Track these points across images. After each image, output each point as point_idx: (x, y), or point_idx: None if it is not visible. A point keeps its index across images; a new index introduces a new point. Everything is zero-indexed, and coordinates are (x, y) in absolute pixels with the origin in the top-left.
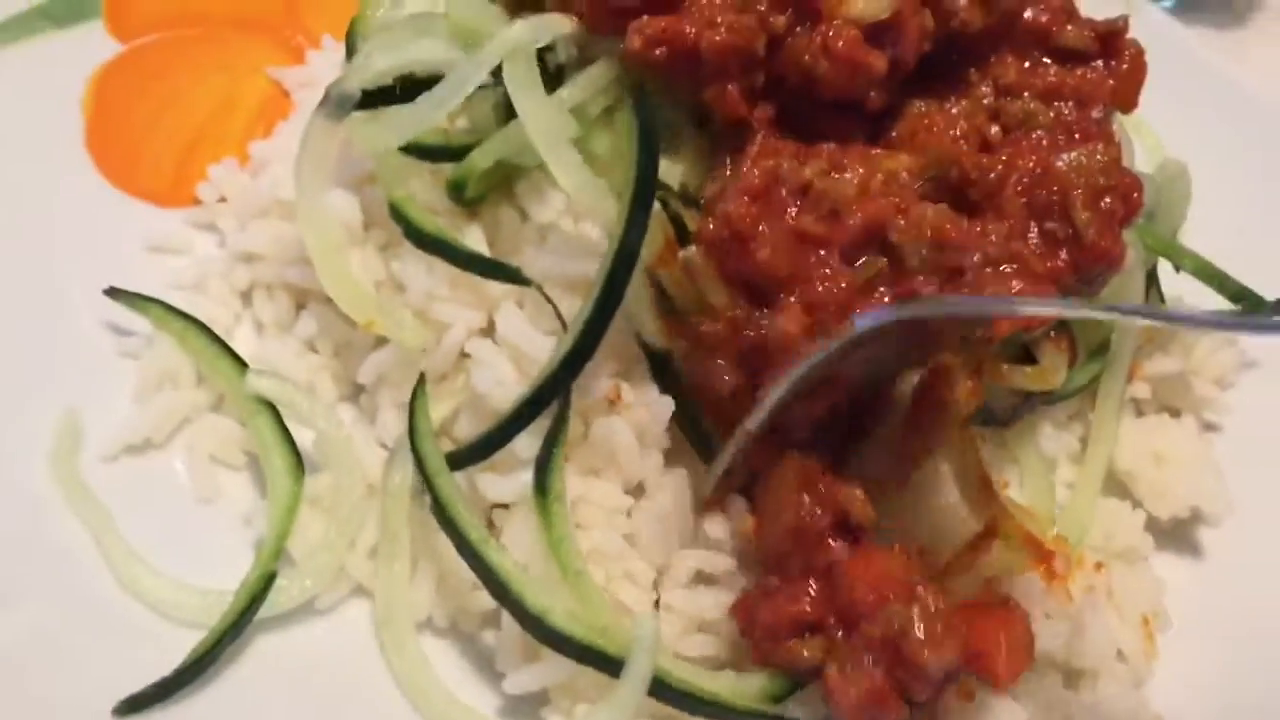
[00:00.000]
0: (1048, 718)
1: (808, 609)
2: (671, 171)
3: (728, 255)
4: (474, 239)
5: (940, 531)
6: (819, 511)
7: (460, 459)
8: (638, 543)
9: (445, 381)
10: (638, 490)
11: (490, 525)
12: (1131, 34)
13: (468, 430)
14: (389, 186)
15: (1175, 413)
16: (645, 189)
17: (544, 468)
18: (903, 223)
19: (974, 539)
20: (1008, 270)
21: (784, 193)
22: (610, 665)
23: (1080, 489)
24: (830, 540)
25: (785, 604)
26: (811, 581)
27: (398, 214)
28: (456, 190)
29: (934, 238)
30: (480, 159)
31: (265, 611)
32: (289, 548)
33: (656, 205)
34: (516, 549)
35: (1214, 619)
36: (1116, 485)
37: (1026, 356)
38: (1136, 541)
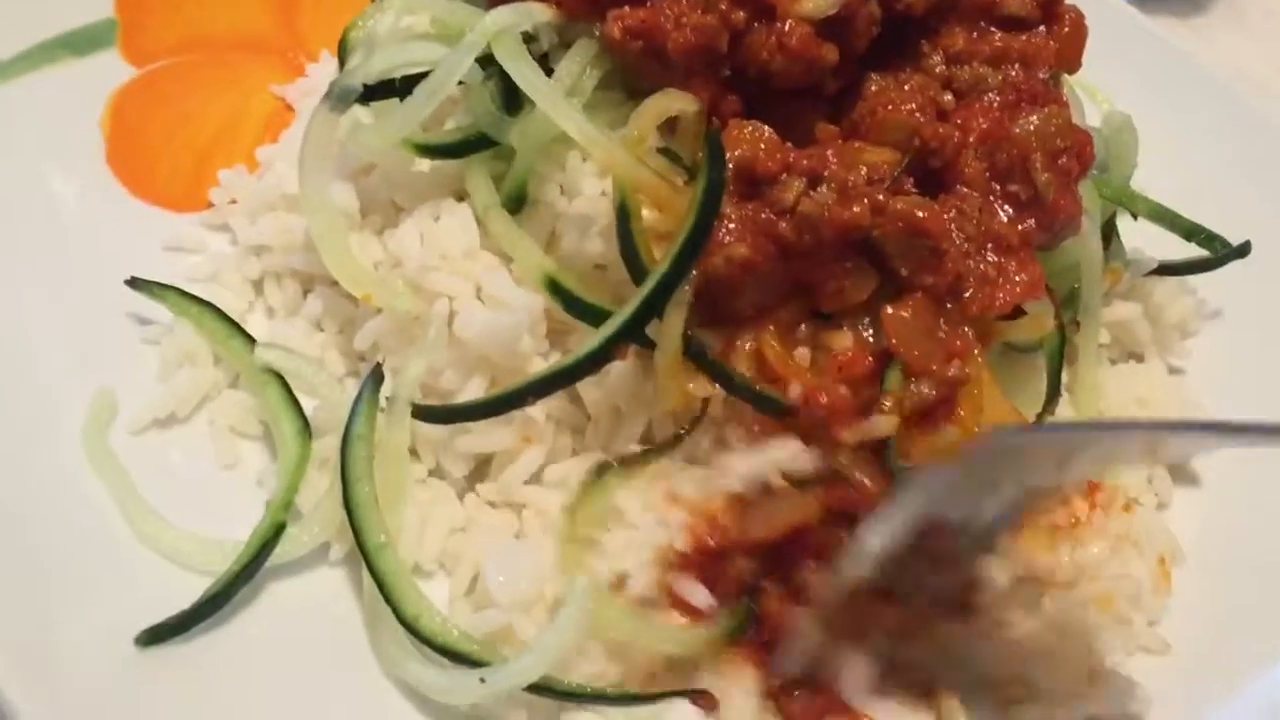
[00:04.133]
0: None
1: None
2: (679, 148)
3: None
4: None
5: None
6: None
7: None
8: None
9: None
10: None
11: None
12: (1088, 14)
13: (453, 381)
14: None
15: (1140, 358)
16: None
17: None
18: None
19: None
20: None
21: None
22: (478, 666)
23: None
24: None
25: None
26: None
27: (555, 287)
28: (515, 201)
29: (910, 228)
30: (524, 160)
31: (277, 558)
32: (298, 503)
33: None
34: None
35: (1216, 545)
36: None
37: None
38: (1158, 484)
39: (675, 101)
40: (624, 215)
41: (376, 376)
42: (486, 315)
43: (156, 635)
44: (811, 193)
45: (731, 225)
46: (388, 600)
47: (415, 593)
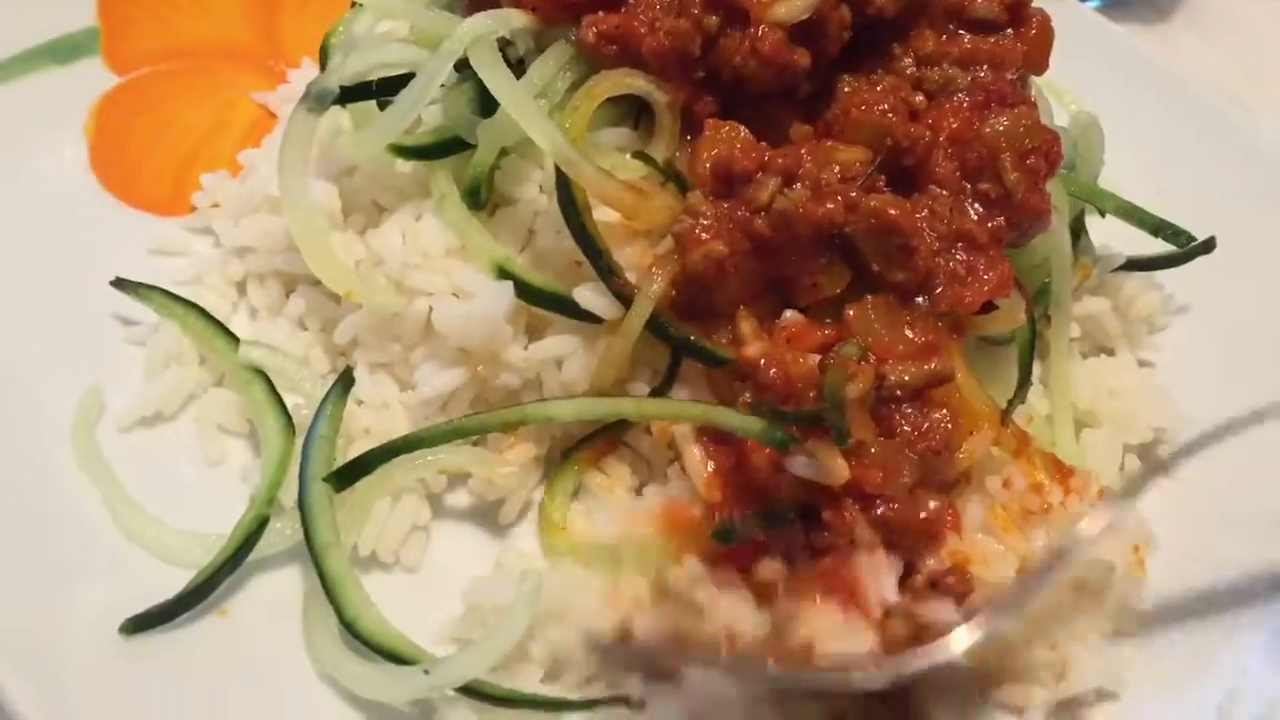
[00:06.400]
0: None
1: None
2: (655, 148)
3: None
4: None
5: None
6: None
7: None
8: None
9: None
10: None
11: None
12: (1055, 20)
13: (426, 372)
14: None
15: (1110, 352)
16: None
17: None
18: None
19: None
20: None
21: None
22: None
23: (1059, 424)
24: None
25: None
26: None
27: (504, 274)
28: (475, 196)
29: (881, 225)
30: (484, 157)
31: (261, 551)
32: (281, 498)
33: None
34: None
35: (1187, 532)
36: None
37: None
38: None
39: (627, 79)
40: (571, 205)
41: (346, 380)
42: (462, 307)
43: (140, 624)
44: (786, 190)
45: (709, 222)
46: (330, 598)
47: (358, 593)
